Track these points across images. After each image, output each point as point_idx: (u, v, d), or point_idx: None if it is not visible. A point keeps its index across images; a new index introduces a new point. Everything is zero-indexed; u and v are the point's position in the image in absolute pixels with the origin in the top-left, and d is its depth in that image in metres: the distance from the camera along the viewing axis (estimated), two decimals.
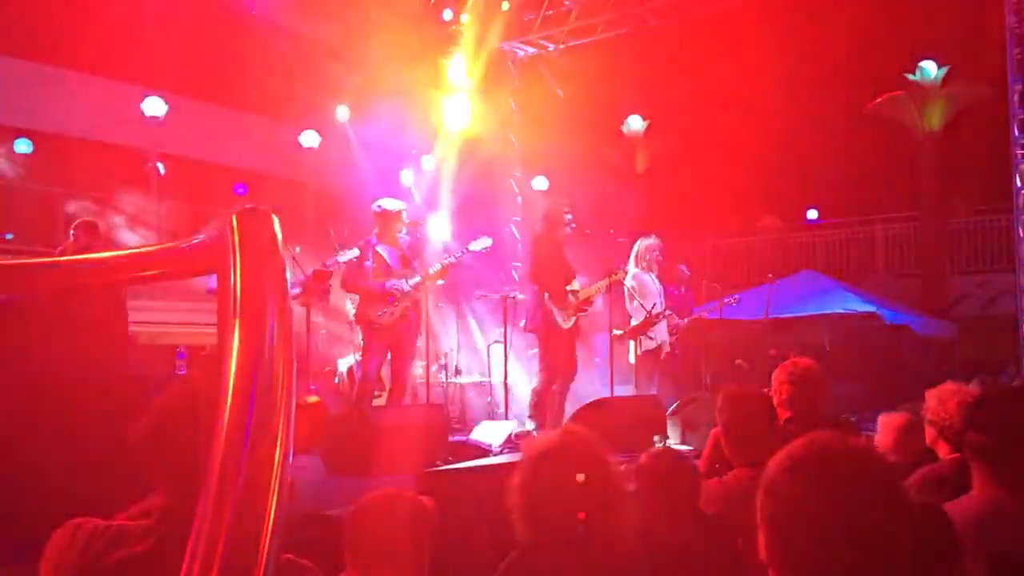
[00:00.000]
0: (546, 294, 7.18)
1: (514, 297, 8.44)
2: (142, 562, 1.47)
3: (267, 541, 0.58)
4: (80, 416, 2.78)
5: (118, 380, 3.25)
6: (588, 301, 7.43)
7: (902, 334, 11.08)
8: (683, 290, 9.55)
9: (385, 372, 7.44)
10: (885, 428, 3.80)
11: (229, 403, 0.60)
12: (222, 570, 0.59)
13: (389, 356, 7.15)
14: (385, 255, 7.02)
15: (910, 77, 14.18)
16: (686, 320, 8.60)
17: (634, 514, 2.14)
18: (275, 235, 0.77)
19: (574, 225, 7.59)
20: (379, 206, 7.17)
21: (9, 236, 12.39)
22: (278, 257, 0.75)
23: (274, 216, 0.80)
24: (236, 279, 0.70)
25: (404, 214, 7.31)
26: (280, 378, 0.62)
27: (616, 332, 8.12)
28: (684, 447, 5.92)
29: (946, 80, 14.06)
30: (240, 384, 0.61)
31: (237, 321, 0.65)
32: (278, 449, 0.59)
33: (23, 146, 12.40)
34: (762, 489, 1.40)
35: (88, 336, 3.12)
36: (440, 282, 8.03)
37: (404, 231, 7.26)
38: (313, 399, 5.97)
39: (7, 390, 2.69)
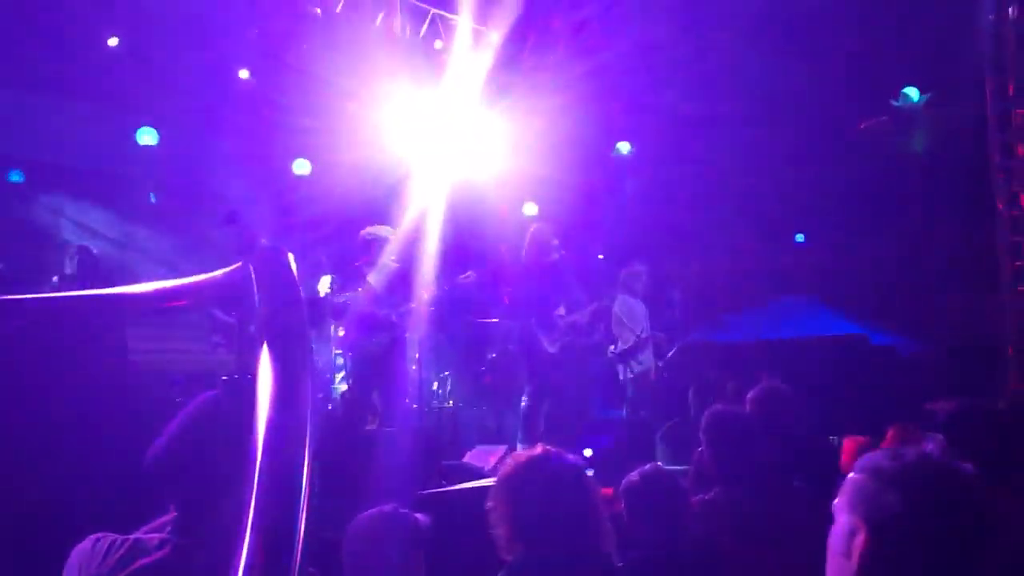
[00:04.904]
0: (533, 319, 7.28)
1: (505, 322, 8.55)
2: (158, 571, 1.56)
3: (299, 549, 0.67)
4: (82, 443, 2.86)
5: (118, 407, 3.33)
6: (574, 327, 7.53)
7: (888, 356, 11.21)
8: (673, 313, 9.68)
9: (375, 397, 7.51)
10: (846, 451, 3.91)
11: (264, 427, 0.70)
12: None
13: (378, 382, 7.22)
14: (374, 283, 7.10)
15: (894, 103, 14.39)
16: (675, 344, 8.71)
17: (613, 530, 2.22)
18: (292, 271, 0.87)
19: (562, 251, 7.71)
20: (369, 233, 7.26)
21: None
22: (297, 291, 0.84)
23: (290, 254, 0.90)
24: (262, 311, 0.79)
25: (393, 241, 7.40)
26: (304, 398, 0.71)
27: (611, 351, 8.26)
28: (672, 468, 6.00)
29: (928, 105, 14.27)
30: (273, 407, 0.70)
31: (265, 349, 0.74)
32: (305, 464, 0.69)
33: (16, 176, 12.48)
34: (866, 502, 1.58)
35: (87, 364, 3.21)
36: (430, 309, 8.11)
37: (393, 258, 7.34)
38: None
39: (11, 417, 2.77)
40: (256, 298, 0.81)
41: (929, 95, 14.15)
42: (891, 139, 14.54)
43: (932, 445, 2.93)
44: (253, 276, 0.84)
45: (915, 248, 14.44)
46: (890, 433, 4.57)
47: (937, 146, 14.28)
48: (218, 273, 0.99)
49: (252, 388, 1.23)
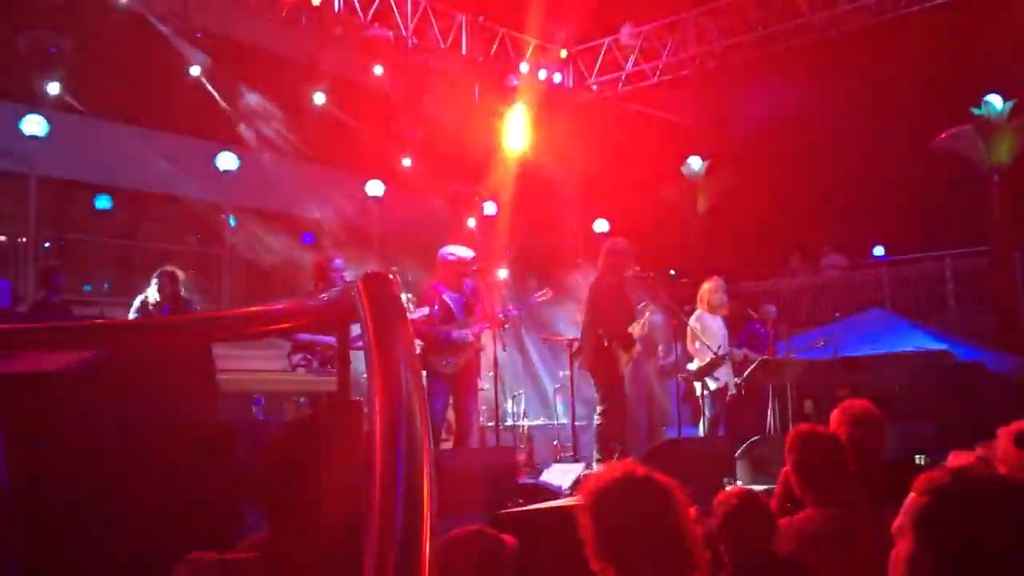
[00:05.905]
0: (602, 332, 7.21)
1: (579, 340, 8.51)
2: None
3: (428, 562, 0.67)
4: (173, 464, 2.93)
5: (206, 429, 3.40)
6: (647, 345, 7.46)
7: (976, 372, 10.84)
8: (766, 329, 9.37)
9: (450, 416, 7.54)
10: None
11: (379, 449, 0.70)
12: None
13: (452, 400, 7.25)
14: (451, 302, 7.13)
15: (976, 111, 13.98)
16: (757, 359, 8.48)
17: (703, 549, 2.17)
18: (398, 296, 0.88)
19: (637, 268, 7.63)
20: (450, 253, 7.28)
21: (87, 287, 12.90)
22: (404, 314, 0.85)
23: (392, 277, 0.91)
24: (369, 335, 0.80)
25: (471, 262, 7.41)
26: (419, 420, 0.72)
27: (690, 366, 8.16)
28: (754, 487, 5.89)
29: (1013, 114, 13.82)
30: (386, 430, 0.71)
31: (376, 373, 0.75)
32: (425, 486, 0.69)
33: (103, 202, 12.95)
34: (930, 525, 1.55)
35: (179, 386, 3.29)
36: (506, 327, 8.13)
37: (468, 277, 7.36)
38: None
39: (109, 442, 2.85)
40: (363, 323, 0.82)
41: (1014, 102, 13.71)
42: (973, 149, 14.13)
43: None
44: (359, 300, 0.85)
45: (1001, 260, 13.99)
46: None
47: (1022, 155, 13.84)
48: (323, 296, 1.01)
49: (356, 411, 1.26)
